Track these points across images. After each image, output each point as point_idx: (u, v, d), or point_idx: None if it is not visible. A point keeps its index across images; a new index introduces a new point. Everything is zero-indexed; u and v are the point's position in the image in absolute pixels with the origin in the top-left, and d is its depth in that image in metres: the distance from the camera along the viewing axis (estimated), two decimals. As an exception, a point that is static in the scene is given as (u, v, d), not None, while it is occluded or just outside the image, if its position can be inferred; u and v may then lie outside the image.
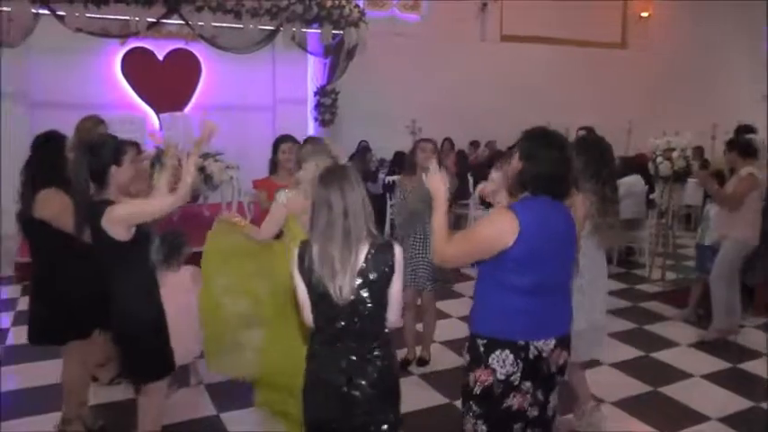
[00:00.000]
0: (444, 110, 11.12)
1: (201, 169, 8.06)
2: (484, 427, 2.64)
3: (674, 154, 6.66)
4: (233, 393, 4.48)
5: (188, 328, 4.05)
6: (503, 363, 2.58)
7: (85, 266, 3.42)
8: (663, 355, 5.35)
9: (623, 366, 5.08)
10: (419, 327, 5.24)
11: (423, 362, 5.19)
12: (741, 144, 5.61)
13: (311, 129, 10.73)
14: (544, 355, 2.63)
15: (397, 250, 2.53)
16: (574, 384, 4.05)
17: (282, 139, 4.91)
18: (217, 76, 10.20)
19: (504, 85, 11.73)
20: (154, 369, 3.27)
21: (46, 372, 4.52)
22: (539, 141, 2.64)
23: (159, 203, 3.21)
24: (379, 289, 2.49)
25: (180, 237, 4.58)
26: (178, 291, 4.15)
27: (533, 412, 2.66)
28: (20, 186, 3.62)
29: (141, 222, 3.13)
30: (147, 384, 3.31)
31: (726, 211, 5.51)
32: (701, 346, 5.53)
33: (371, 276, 2.46)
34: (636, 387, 4.73)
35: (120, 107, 9.37)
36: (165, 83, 9.68)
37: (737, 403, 4.54)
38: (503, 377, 2.58)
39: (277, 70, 10.66)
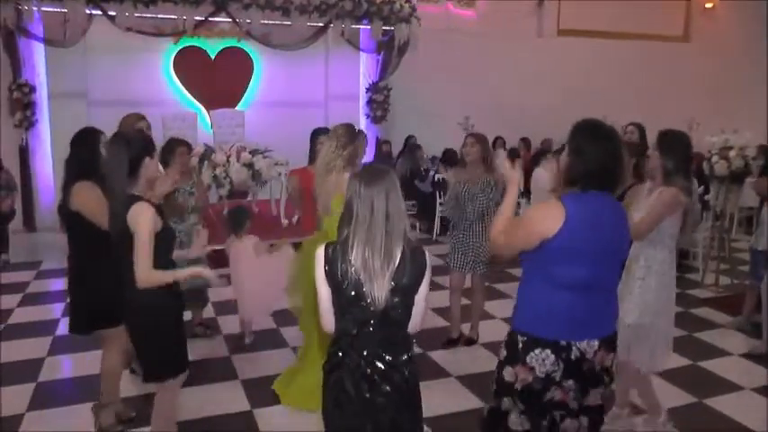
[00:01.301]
0: (498, 107, 10.97)
1: (250, 166, 8.18)
2: (527, 425, 2.61)
3: (732, 153, 6.38)
4: (268, 390, 4.56)
5: (250, 289, 5.05)
6: (542, 362, 2.54)
7: (119, 258, 3.44)
8: (712, 365, 5.16)
9: (669, 375, 4.87)
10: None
11: (470, 341, 5.47)
12: None
13: (363, 125, 10.76)
14: (588, 356, 2.56)
15: (428, 255, 2.48)
16: (639, 395, 4.05)
17: (320, 131, 5.12)
18: (269, 73, 10.33)
19: (561, 82, 11.49)
20: (164, 368, 3.30)
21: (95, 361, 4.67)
22: (588, 135, 2.57)
23: (143, 266, 3.06)
24: (410, 295, 2.44)
25: (245, 211, 5.48)
26: (242, 256, 5.12)
27: (574, 404, 2.61)
28: (63, 180, 3.79)
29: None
30: (161, 382, 3.35)
31: None
32: (753, 357, 5.30)
33: (404, 281, 2.40)
34: (681, 398, 4.57)
35: (173, 105, 9.59)
36: (217, 80, 9.86)
37: (789, 419, 4.33)
38: (542, 375, 2.54)
39: (330, 67, 10.72)
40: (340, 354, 2.49)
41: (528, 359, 2.55)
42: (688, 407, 4.46)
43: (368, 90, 10.53)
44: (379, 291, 2.36)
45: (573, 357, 2.54)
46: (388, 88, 10.48)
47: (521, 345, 2.58)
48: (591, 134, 2.56)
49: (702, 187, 7.60)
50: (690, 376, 4.93)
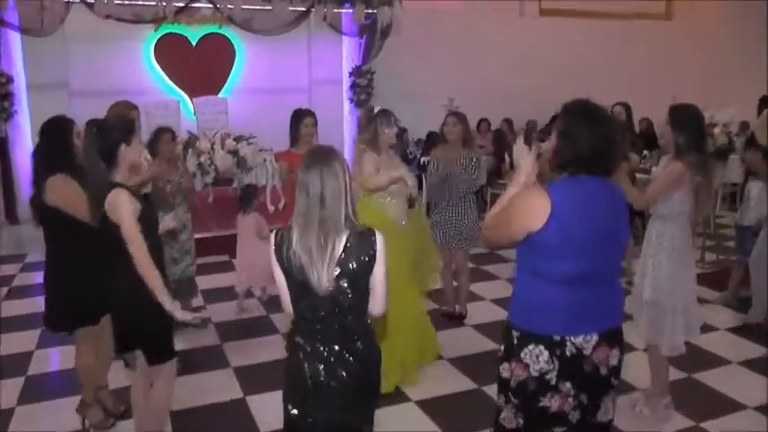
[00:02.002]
0: (482, 88, 10.94)
1: (235, 153, 8.12)
2: (521, 420, 2.48)
3: (716, 130, 6.42)
4: (260, 377, 4.57)
5: (249, 261, 5.71)
6: (536, 359, 2.40)
7: (95, 253, 3.41)
8: (700, 340, 5.10)
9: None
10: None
11: (461, 317, 5.62)
12: None
13: (346, 109, 10.71)
14: (585, 352, 2.39)
15: (379, 238, 2.42)
16: (650, 367, 4.11)
17: (306, 113, 5.21)
18: (252, 59, 10.21)
19: (544, 62, 11.47)
20: (165, 349, 3.29)
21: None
22: (577, 116, 2.40)
23: (136, 246, 3.02)
24: (360, 279, 2.40)
25: (252, 192, 6.10)
26: (247, 231, 5.75)
27: (575, 416, 2.44)
28: (32, 172, 3.65)
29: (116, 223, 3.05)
30: (164, 363, 3.32)
31: None
32: (740, 331, 5.38)
33: (351, 266, 2.36)
34: (671, 373, 4.58)
35: (155, 93, 9.48)
36: (199, 67, 9.71)
37: (777, 391, 4.39)
38: (536, 374, 2.40)
39: (312, 52, 10.62)
40: (297, 338, 2.50)
41: (522, 355, 2.42)
42: (678, 382, 4.50)
43: (351, 74, 10.46)
44: (320, 277, 2.34)
45: (568, 354, 2.38)
46: (372, 72, 10.41)
47: (515, 340, 2.46)
48: (581, 115, 2.40)
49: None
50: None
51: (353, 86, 10.43)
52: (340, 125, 10.42)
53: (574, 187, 2.39)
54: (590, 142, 2.35)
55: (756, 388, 4.46)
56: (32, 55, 8.40)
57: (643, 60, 12.29)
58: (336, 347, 2.43)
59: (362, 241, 2.39)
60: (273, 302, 5.99)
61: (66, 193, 3.50)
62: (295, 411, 2.50)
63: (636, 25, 12.50)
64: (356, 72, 10.36)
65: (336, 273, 2.35)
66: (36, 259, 7.46)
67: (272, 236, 2.47)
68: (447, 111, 10.16)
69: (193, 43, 9.84)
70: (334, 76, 10.57)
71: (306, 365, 2.44)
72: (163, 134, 5.02)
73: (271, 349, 5.04)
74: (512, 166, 8.70)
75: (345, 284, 2.38)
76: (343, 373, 2.42)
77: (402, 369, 4.45)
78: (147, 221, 3.15)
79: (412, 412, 4.19)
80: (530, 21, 11.97)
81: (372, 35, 9.95)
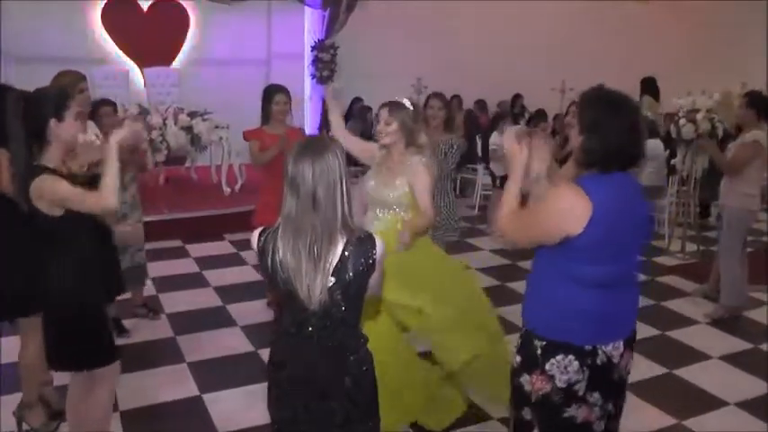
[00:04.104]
0: (452, 67, 10.90)
1: (189, 129, 7.93)
2: None
3: (699, 116, 6.46)
4: (217, 373, 4.47)
5: None
6: (564, 369, 2.35)
7: (23, 236, 3.17)
8: (680, 334, 5.28)
9: (637, 346, 4.93)
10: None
11: None
12: (763, 101, 5.32)
13: (307, 86, 10.57)
14: (614, 360, 2.39)
15: (380, 243, 2.23)
16: None
17: (278, 90, 5.10)
18: (207, 28, 10.03)
19: (516, 42, 11.51)
20: (88, 356, 3.10)
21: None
22: (604, 108, 2.32)
23: (91, 201, 2.89)
24: (356, 290, 2.22)
25: None
26: None
27: (600, 426, 2.44)
28: None
29: (64, 207, 2.88)
30: (91, 371, 3.14)
31: (727, 179, 5.46)
32: (720, 324, 5.45)
33: (348, 276, 2.17)
34: (651, 369, 4.65)
35: (101, 62, 9.22)
36: (150, 36, 9.51)
37: (758, 387, 4.45)
38: (563, 384, 2.36)
39: (273, 22, 10.47)
40: (282, 352, 2.34)
41: (548, 366, 2.36)
42: (658, 378, 4.55)
43: (313, 48, 10.34)
44: (312, 290, 2.14)
45: (599, 363, 2.36)
46: (336, 47, 10.30)
47: (539, 350, 2.39)
48: (608, 107, 2.32)
49: (668, 151, 7.73)
50: (658, 346, 5.02)
51: (316, 61, 10.31)
52: (301, 104, 10.29)
53: (609, 185, 2.31)
54: (620, 135, 2.28)
55: (738, 384, 4.51)
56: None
57: (621, 41, 12.42)
58: (326, 363, 2.26)
59: (361, 248, 2.19)
60: (229, 292, 5.90)
61: None
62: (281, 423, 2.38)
63: (611, 6, 12.57)
64: (319, 46, 10.23)
65: (331, 283, 2.16)
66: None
67: (256, 235, 2.27)
68: (415, 91, 10.19)
69: (144, 8, 9.58)
70: (294, 50, 10.47)
71: (295, 383, 2.29)
72: (101, 107, 4.81)
73: (228, 343, 4.92)
74: (485, 150, 8.65)
75: (339, 296, 2.19)
76: (337, 392, 2.27)
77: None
78: (77, 222, 2.95)
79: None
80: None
81: (337, 7, 9.88)
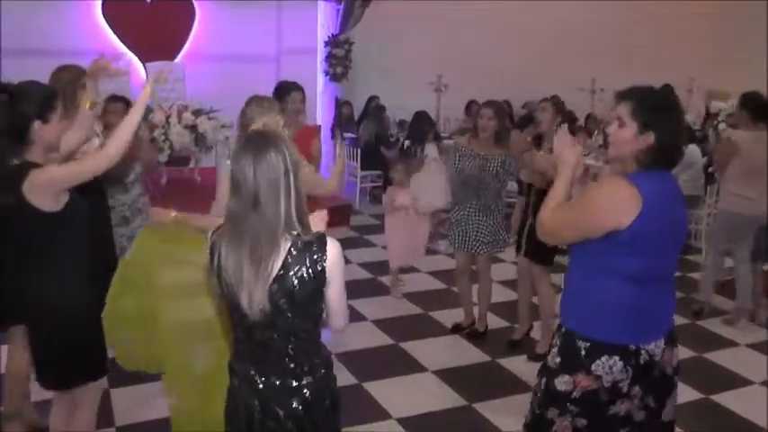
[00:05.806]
0: (471, 64, 10.85)
1: (193, 128, 7.88)
2: (584, 422, 2.53)
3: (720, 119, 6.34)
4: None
5: (395, 237, 6.25)
6: (609, 369, 2.47)
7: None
8: (719, 357, 5.16)
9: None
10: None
11: (476, 333, 5.40)
12: (756, 103, 5.35)
13: (320, 83, 10.50)
14: (656, 358, 2.51)
15: (332, 247, 2.15)
16: None
17: (292, 87, 4.95)
18: (213, 21, 10.04)
19: (540, 42, 11.43)
20: (83, 369, 3.02)
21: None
22: (660, 107, 2.47)
23: (92, 161, 2.91)
24: (305, 298, 2.14)
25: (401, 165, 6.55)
26: (392, 205, 6.27)
27: (639, 416, 2.55)
28: None
29: (73, 185, 2.83)
30: (78, 387, 3.07)
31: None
32: (762, 347, 5.29)
33: (291, 283, 2.10)
34: (687, 394, 4.48)
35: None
36: (153, 29, 9.50)
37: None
38: (609, 384, 2.48)
39: (283, 16, 10.45)
40: (232, 362, 2.31)
41: (594, 367, 2.47)
42: (694, 404, 4.42)
43: (326, 44, 10.33)
44: (252, 296, 2.09)
45: (642, 362, 2.47)
46: (350, 42, 10.26)
47: (583, 351, 2.49)
48: (662, 106, 2.47)
49: (706, 158, 7.57)
50: (696, 370, 4.88)
51: (329, 57, 10.27)
52: (313, 102, 10.21)
53: (656, 182, 2.45)
54: (674, 134, 2.46)
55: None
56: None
57: (645, 39, 12.33)
58: (274, 380, 2.20)
59: (308, 253, 2.11)
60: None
61: None
62: None
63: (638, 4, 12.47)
64: (332, 42, 10.18)
65: (273, 290, 2.10)
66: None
67: (209, 235, 2.22)
68: (434, 89, 10.11)
69: (147, 1, 9.58)
70: (307, 45, 10.42)
71: (241, 395, 2.24)
72: (111, 104, 4.74)
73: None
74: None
75: (284, 305, 2.12)
76: (280, 411, 2.19)
77: None
78: (75, 219, 2.89)
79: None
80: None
81: (352, 1, 9.76)
